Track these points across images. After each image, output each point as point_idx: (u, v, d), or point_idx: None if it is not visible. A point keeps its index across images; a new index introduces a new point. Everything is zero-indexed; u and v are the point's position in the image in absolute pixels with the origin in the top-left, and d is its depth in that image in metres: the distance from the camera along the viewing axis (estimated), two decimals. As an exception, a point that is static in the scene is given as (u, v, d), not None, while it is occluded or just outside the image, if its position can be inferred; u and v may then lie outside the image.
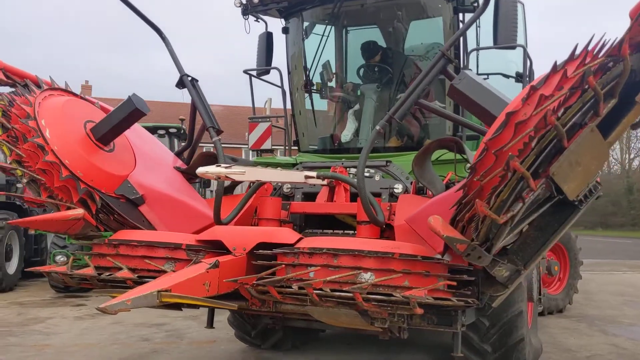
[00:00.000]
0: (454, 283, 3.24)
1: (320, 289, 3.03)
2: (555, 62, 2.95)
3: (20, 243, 11.68)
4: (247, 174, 3.48)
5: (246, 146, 6.79)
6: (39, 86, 4.16)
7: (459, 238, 2.91)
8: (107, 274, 3.57)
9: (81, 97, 4.42)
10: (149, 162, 4.45)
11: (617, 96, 2.89)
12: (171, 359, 5.90)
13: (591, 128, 2.86)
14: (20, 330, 7.31)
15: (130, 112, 3.99)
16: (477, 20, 5.22)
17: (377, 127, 3.85)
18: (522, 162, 2.72)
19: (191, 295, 3.02)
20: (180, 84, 4.32)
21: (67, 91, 4.35)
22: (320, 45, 6.23)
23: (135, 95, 4.01)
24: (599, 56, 2.81)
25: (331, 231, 4.85)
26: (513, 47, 5.24)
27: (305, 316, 3.88)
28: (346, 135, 6.12)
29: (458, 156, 4.15)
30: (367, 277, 3.11)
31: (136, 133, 4.60)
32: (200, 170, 3.41)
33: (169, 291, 2.92)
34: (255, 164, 4.49)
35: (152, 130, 12.82)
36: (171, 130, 12.92)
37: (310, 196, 4.96)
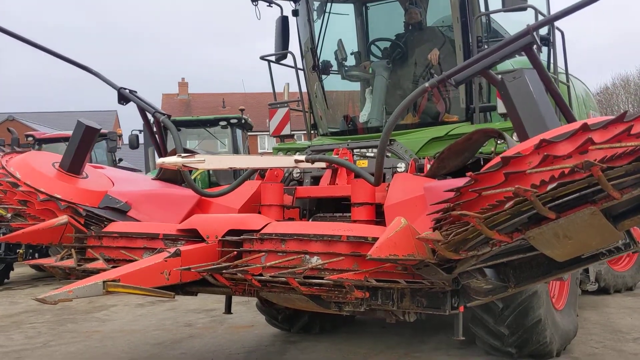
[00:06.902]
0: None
1: (260, 275, 3.00)
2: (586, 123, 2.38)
3: None
4: (207, 162, 3.49)
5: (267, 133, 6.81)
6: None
7: (401, 257, 2.75)
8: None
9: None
10: (126, 180, 4.74)
11: None
12: (203, 343, 6.10)
13: (592, 211, 2.42)
14: (82, 317, 7.85)
15: (84, 133, 4.30)
16: None
17: (426, 85, 3.40)
18: (489, 217, 2.44)
19: (141, 286, 3.09)
20: (122, 98, 4.53)
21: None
22: (333, 25, 6.10)
23: (82, 119, 4.34)
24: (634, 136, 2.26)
25: (340, 214, 4.80)
26: (523, 9, 4.85)
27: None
28: (364, 115, 5.98)
29: (500, 147, 3.78)
30: (314, 261, 3.04)
31: (110, 170, 5.00)
32: (159, 160, 3.47)
33: (117, 281, 3.02)
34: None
35: (214, 122, 13.13)
36: (232, 121, 13.12)
37: (319, 180, 4.92)
